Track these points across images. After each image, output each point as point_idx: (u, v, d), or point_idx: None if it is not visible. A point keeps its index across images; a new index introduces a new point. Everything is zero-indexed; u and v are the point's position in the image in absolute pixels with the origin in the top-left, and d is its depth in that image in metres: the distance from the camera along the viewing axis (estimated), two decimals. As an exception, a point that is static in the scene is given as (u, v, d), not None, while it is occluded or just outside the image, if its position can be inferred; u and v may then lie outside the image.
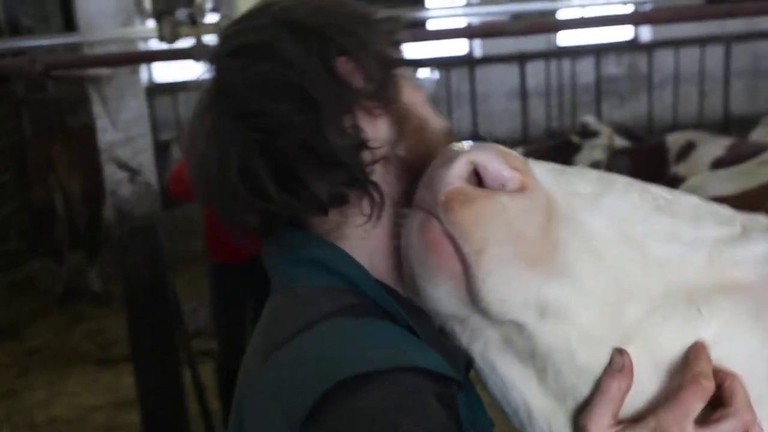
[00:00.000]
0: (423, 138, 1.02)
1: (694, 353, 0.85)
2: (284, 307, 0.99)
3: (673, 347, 0.86)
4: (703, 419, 0.84)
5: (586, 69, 9.14)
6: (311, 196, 0.95)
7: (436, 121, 1.07)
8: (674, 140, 6.10)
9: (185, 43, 2.92)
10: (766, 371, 0.88)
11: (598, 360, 0.84)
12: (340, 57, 0.98)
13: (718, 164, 5.07)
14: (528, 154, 6.67)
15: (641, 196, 0.89)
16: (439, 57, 8.78)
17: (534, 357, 0.86)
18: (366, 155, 0.96)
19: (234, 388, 3.56)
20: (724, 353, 0.86)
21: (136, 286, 3.18)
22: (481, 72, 8.87)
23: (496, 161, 0.83)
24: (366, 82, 0.98)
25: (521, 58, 8.79)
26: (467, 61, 8.99)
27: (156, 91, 8.99)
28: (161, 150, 7.88)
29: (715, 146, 5.69)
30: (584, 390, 0.86)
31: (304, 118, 0.94)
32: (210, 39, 2.87)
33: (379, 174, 0.99)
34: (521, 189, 0.83)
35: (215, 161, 0.99)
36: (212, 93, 1.02)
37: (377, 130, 0.99)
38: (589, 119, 7.25)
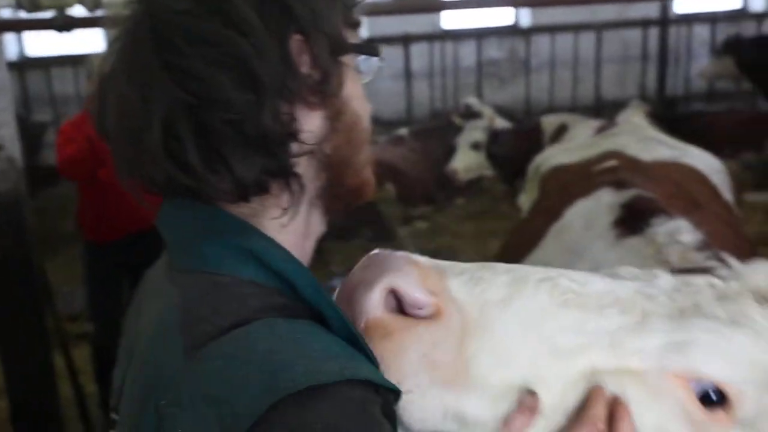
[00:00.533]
0: (351, 138, 0.99)
1: (594, 396, 0.94)
2: (204, 296, 0.89)
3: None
4: None
5: (468, 52, 9.36)
6: (234, 180, 0.89)
7: (366, 119, 1.02)
8: (549, 122, 6.33)
9: (48, 13, 2.80)
10: None
11: None
12: (295, 35, 0.91)
13: (588, 144, 5.32)
14: (413, 134, 6.77)
15: (550, 294, 0.97)
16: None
17: None
18: (294, 147, 0.92)
19: (109, 369, 3.42)
20: None
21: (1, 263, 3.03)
22: (366, 53, 8.92)
23: (413, 287, 0.89)
24: (312, 69, 0.92)
25: (406, 40, 8.90)
26: (353, 42, 9.01)
27: (27, 65, 8.56)
28: (36, 132, 7.53)
29: (585, 128, 5.93)
30: None
31: (242, 97, 0.87)
32: (74, 11, 2.75)
33: (301, 168, 0.94)
34: (436, 315, 0.90)
35: (136, 108, 0.90)
36: (142, 24, 0.91)
37: (311, 122, 0.94)
38: (472, 101, 7.44)
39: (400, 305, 0.92)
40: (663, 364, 0.96)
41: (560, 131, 6.11)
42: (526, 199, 3.38)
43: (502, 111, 7.41)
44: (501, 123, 6.90)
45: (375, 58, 1.02)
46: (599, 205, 2.22)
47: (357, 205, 1.07)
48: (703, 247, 1.73)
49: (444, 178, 6.59)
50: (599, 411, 0.93)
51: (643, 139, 2.85)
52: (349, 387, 0.80)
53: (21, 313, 3.10)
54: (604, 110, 8.50)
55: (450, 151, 6.59)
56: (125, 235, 4.14)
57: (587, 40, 9.15)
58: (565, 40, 9.20)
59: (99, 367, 4.31)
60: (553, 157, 3.20)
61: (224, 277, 0.90)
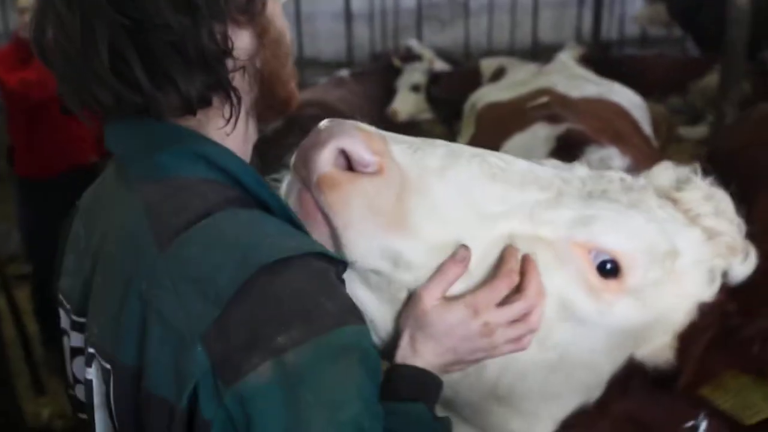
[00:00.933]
0: (277, 52, 1.10)
1: (508, 254, 1.10)
2: (166, 197, 0.99)
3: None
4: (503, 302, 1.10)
5: (408, -4, 9.33)
6: (180, 95, 0.97)
7: (287, 35, 1.12)
8: (487, 65, 6.43)
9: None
10: (558, 304, 1.13)
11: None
12: None
13: (524, 87, 5.44)
14: (353, 76, 6.77)
15: (480, 167, 1.11)
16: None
17: (386, 290, 1.09)
18: (230, 63, 1.00)
19: (49, 308, 3.51)
20: None
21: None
22: (306, -8, 8.81)
23: (359, 147, 1.03)
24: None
25: (346, -20, 8.82)
26: (292, -19, 8.89)
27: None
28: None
29: (522, 71, 6.06)
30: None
31: (179, 20, 0.95)
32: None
33: (237, 82, 1.03)
34: (379, 171, 1.04)
35: (79, 32, 0.96)
36: None
37: (241, 40, 1.03)
38: (412, 43, 7.47)
39: (349, 165, 1.06)
40: (569, 234, 1.11)
41: (498, 74, 6.20)
42: (462, 136, 3.50)
43: (441, 53, 7.46)
44: (440, 65, 6.97)
45: None
46: (535, 138, 2.35)
47: (286, 114, 1.21)
48: (631, 170, 1.88)
49: (385, 120, 6.66)
50: (513, 265, 1.09)
51: (571, 77, 2.98)
52: (308, 259, 0.94)
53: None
54: (541, 54, 8.61)
55: (390, 93, 6.63)
56: (59, 173, 4.11)
57: (526, -17, 9.24)
58: (503, -16, 9.26)
59: (39, 306, 4.32)
60: (487, 95, 3.32)
61: (182, 179, 1.00)
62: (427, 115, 6.70)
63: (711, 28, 7.05)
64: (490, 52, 8.34)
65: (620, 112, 2.58)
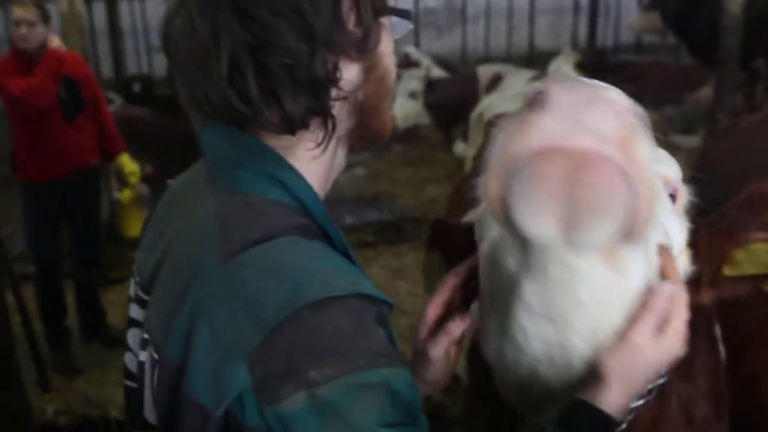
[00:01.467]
0: (380, 88, 1.14)
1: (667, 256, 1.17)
2: (239, 212, 1.05)
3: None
4: None
5: (406, 1, 9.42)
6: (284, 114, 1.04)
7: (393, 73, 1.17)
8: (484, 72, 6.51)
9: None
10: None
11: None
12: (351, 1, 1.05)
13: (521, 94, 5.54)
14: None
15: None
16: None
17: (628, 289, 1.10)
18: (334, 91, 1.07)
19: (53, 309, 3.66)
20: None
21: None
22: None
23: (630, 114, 1.01)
24: (356, 26, 1.07)
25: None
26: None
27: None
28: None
29: (519, 77, 6.15)
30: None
31: (299, 46, 1.01)
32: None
33: (336, 110, 1.09)
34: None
35: (207, 39, 1.02)
36: None
37: (349, 72, 1.08)
38: (411, 50, 7.56)
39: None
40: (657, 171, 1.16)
41: (495, 81, 6.29)
42: (468, 147, 3.55)
43: (439, 60, 7.56)
44: (438, 72, 7.06)
45: (406, 21, 1.18)
46: None
47: (376, 145, 1.26)
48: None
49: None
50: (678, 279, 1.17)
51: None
52: (354, 300, 0.98)
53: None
54: (538, 60, 8.71)
55: (388, 98, 6.70)
56: (61, 177, 4.21)
57: (522, -9, 9.36)
58: (496, -10, 9.37)
59: (43, 306, 4.41)
60: (494, 105, 3.39)
61: (255, 197, 1.07)
62: (424, 120, 6.78)
63: (705, 37, 7.13)
64: (487, 59, 8.45)
65: None
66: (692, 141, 6.82)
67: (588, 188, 0.95)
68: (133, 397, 1.14)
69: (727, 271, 1.27)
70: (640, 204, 0.96)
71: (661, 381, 1.25)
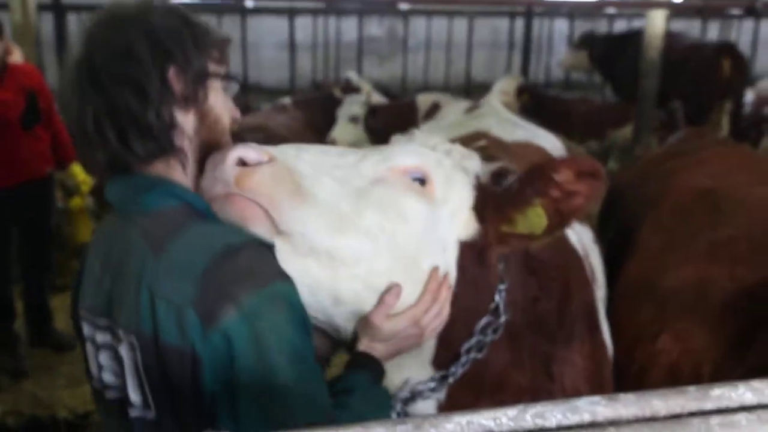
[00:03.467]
0: (214, 129, 1.55)
1: (432, 275, 1.59)
2: (154, 222, 1.44)
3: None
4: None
5: (350, 28, 9.77)
6: (138, 153, 1.45)
7: (226, 119, 1.58)
8: (423, 100, 6.77)
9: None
10: (420, 211, 1.59)
11: (335, 243, 1.51)
12: (172, 67, 1.44)
13: (457, 123, 5.86)
14: (295, 104, 6.97)
15: (314, 150, 1.59)
16: (211, 3, 8.91)
17: (313, 250, 1.48)
18: (178, 134, 1.47)
19: (1, 313, 3.92)
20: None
21: None
22: (252, 22, 9.15)
23: (250, 149, 1.47)
24: (184, 89, 1.47)
25: (291, 12, 9.19)
26: (239, 9, 9.22)
27: None
28: None
29: (456, 107, 6.38)
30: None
31: (137, 104, 1.41)
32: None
33: (186, 145, 1.50)
34: (270, 159, 1.49)
35: (75, 109, 1.45)
36: (80, 59, 1.45)
37: (186, 120, 1.50)
38: (352, 75, 7.80)
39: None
40: (386, 166, 1.60)
41: (433, 109, 6.54)
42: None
43: (379, 87, 7.83)
44: (378, 98, 7.32)
45: (233, 83, 1.60)
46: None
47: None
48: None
49: (325, 147, 6.93)
50: (434, 284, 1.59)
51: (503, 121, 3.38)
52: (253, 243, 1.40)
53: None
54: (474, 91, 9.11)
55: (330, 121, 6.93)
56: (15, 185, 4.32)
57: (460, 25, 9.80)
58: (440, 24, 9.79)
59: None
60: (428, 134, 3.67)
61: (161, 211, 1.46)
62: (365, 145, 7.02)
63: (628, 77, 7.64)
64: (426, 88, 8.81)
65: (545, 156, 2.98)
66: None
67: (233, 211, 1.46)
68: (109, 392, 1.51)
69: (504, 228, 1.63)
70: (265, 205, 1.44)
71: (502, 320, 1.68)
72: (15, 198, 4.35)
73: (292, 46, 9.38)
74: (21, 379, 4.27)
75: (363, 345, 1.57)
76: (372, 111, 6.85)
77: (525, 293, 1.79)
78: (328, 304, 1.52)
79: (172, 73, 1.45)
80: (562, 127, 6.66)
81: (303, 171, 1.50)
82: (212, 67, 1.54)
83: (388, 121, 6.66)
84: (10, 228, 4.48)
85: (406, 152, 1.65)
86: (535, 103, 7.45)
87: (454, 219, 1.64)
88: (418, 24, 9.90)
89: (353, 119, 6.80)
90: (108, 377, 1.50)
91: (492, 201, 1.66)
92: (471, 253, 1.65)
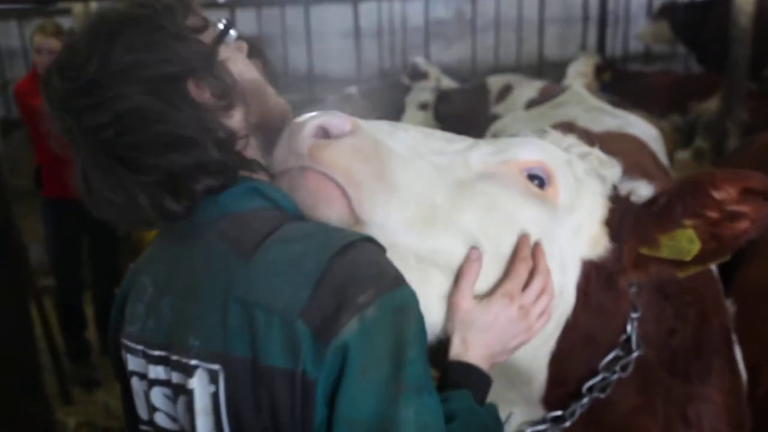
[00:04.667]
0: (260, 98, 1.31)
1: (522, 241, 1.29)
2: (236, 226, 1.21)
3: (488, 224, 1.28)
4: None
5: (416, 12, 9.50)
6: (210, 184, 1.22)
7: (254, 75, 1.33)
8: (494, 82, 6.51)
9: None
10: (535, 218, 1.32)
11: (433, 238, 1.24)
12: (190, 80, 1.21)
13: (531, 104, 5.57)
14: (362, 93, 6.81)
15: (415, 130, 1.32)
16: (275, -6, 8.80)
17: (396, 249, 1.23)
18: (239, 144, 1.24)
19: (73, 321, 3.80)
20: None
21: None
22: (316, 11, 8.98)
23: (332, 117, 1.20)
24: (215, 98, 1.22)
25: (355, -1, 9.00)
26: (302, 0, 9.06)
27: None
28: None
29: (529, 88, 6.16)
30: (435, 259, 1.25)
31: (189, 159, 1.19)
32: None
33: (253, 144, 1.27)
34: (354, 131, 1.20)
35: (109, 187, 1.24)
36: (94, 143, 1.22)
37: (234, 119, 1.26)
38: (419, 60, 7.60)
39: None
40: (500, 158, 1.32)
41: (505, 91, 6.30)
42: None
43: (448, 71, 7.60)
44: (447, 83, 7.10)
45: (230, 32, 1.30)
46: None
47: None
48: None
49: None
50: (526, 252, 1.30)
51: (589, 110, 3.09)
52: (365, 242, 1.19)
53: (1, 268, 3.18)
54: (547, 70, 8.77)
55: (399, 110, 6.75)
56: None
57: (531, 1, 9.39)
58: (509, 2, 9.41)
59: (63, 318, 4.47)
60: (509, 126, 3.42)
61: (241, 212, 1.22)
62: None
63: (714, 46, 7.18)
64: (496, 69, 8.47)
65: (639, 145, 2.68)
66: (685, 155, 6.82)
67: (304, 187, 1.22)
68: None
69: (643, 250, 1.35)
70: (342, 184, 1.20)
71: (634, 355, 1.40)
72: (83, 206, 4.29)
73: (357, 33, 9.18)
74: (94, 389, 4.24)
75: (456, 347, 1.29)
76: (442, 96, 6.64)
77: (659, 324, 1.50)
78: None
79: (192, 88, 1.21)
80: (642, 101, 6.29)
81: (395, 150, 1.23)
82: (207, 36, 1.26)
83: (459, 106, 6.44)
84: (80, 236, 4.45)
85: (528, 145, 1.37)
86: (613, 80, 7.07)
87: (579, 233, 1.36)
88: (487, 3, 9.53)
89: (422, 106, 6.64)
90: (163, 420, 1.26)
91: (631, 217, 1.37)
92: (597, 276, 1.36)
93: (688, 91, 7.44)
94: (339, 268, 1.12)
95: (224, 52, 1.27)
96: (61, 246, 4.38)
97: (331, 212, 1.20)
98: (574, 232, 1.36)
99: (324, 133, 1.19)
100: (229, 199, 1.22)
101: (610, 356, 1.39)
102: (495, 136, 3.45)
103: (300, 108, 1.37)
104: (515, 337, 1.30)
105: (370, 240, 1.19)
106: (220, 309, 1.15)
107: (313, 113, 1.23)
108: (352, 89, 7.05)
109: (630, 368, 1.40)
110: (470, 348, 1.28)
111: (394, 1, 9.40)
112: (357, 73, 9.13)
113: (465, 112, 6.27)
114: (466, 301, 1.26)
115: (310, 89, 8.30)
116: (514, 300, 1.28)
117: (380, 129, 1.26)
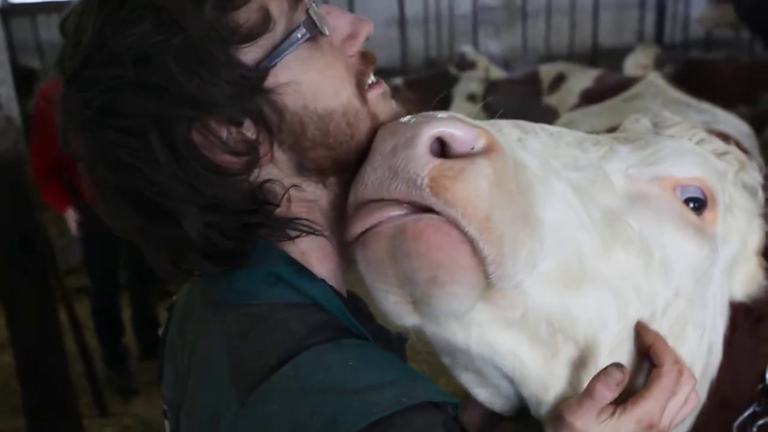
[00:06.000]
0: (329, 131, 0.95)
1: (663, 347, 0.94)
2: (246, 332, 0.90)
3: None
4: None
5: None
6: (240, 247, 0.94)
7: (336, 91, 0.97)
8: (547, 71, 6.28)
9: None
10: (693, 264, 0.99)
11: (576, 299, 0.91)
12: (211, 117, 0.92)
13: (586, 95, 5.29)
14: (408, 84, 6.66)
15: (543, 131, 0.99)
16: (317, -17, 8.62)
17: (526, 317, 0.89)
18: (279, 193, 0.93)
19: (110, 326, 3.55)
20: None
21: (3, 224, 3.00)
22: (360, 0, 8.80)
23: (457, 126, 0.83)
24: (235, 153, 0.92)
25: (400, -14, 8.77)
26: (346, -12, 8.88)
27: (12, 12, 8.37)
28: (24, 80, 7.40)
29: (584, 77, 5.91)
30: (574, 335, 0.92)
31: (229, 220, 0.92)
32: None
33: (298, 203, 0.95)
34: (490, 148, 0.84)
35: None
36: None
37: (276, 164, 0.94)
38: (467, 49, 7.36)
39: (445, 155, 0.86)
40: (650, 174, 0.99)
41: (558, 81, 6.07)
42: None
43: (497, 60, 7.35)
44: (497, 73, 6.84)
45: (312, 17, 0.99)
46: None
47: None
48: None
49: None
50: (674, 356, 0.94)
51: (669, 103, 2.80)
52: (409, 415, 0.78)
53: (26, 271, 3.08)
54: (601, 58, 8.45)
55: (446, 101, 6.54)
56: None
57: (584, -14, 9.06)
58: (561, -14, 9.10)
59: (99, 323, 4.35)
60: (579, 122, 3.16)
61: (262, 307, 0.90)
62: (484, 124, 6.59)
63: (782, 31, 6.79)
64: (548, 57, 8.19)
65: (732, 143, 2.40)
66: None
67: (416, 258, 0.81)
68: None
69: None
70: (474, 241, 0.81)
71: None
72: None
73: (402, 22, 8.93)
74: (131, 399, 4.09)
75: None
76: (491, 87, 6.40)
77: None
78: (533, 393, 0.96)
79: (197, 136, 0.91)
80: (706, 91, 5.94)
81: (534, 171, 0.89)
82: (270, 40, 0.92)
83: (510, 97, 6.20)
84: (116, 238, 4.32)
85: (684, 155, 1.03)
86: (675, 70, 6.73)
87: (733, 270, 1.06)
88: (537, -12, 9.24)
89: (471, 97, 6.45)
90: None
91: None
92: (744, 320, 1.07)
93: (757, 80, 7.03)
94: None
95: (287, 58, 0.93)
96: (97, 249, 4.27)
97: (457, 287, 0.83)
98: (728, 269, 1.06)
99: (438, 148, 0.85)
100: (246, 285, 0.93)
101: (747, 413, 1.10)
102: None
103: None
104: None
105: (415, 408, 0.79)
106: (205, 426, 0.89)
107: (423, 115, 0.87)
108: (398, 80, 6.86)
109: None
110: None
111: (440, -12, 9.16)
112: (402, 63, 8.92)
113: (516, 103, 6.03)
114: (581, 420, 0.92)
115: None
116: (653, 427, 0.93)
117: (511, 139, 0.94)
